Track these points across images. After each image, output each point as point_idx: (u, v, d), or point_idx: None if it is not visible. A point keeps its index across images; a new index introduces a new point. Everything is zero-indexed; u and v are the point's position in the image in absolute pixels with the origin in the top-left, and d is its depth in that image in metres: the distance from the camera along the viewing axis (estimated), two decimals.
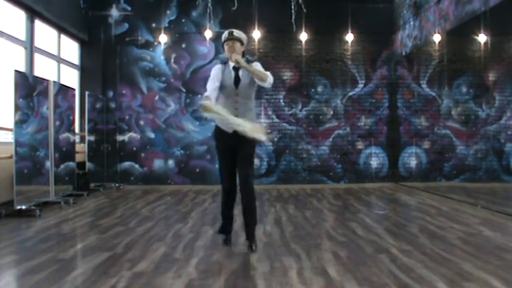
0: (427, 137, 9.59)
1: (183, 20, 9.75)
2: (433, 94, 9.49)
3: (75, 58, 9.43)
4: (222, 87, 4.09)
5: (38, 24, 7.79)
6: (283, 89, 9.80)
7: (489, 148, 8.05)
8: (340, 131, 9.86)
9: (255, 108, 4.39)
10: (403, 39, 9.41)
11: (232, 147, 4.08)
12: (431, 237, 4.58)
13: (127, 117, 9.67)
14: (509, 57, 7.84)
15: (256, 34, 9.60)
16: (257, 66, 4.13)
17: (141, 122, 9.67)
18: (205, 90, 4.11)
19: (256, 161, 9.64)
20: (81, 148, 8.65)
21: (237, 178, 4.19)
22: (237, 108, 4.05)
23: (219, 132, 4.16)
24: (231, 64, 4.14)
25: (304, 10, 9.16)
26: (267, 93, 9.75)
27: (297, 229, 5.06)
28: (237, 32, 4.16)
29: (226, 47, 4.16)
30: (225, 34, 4.18)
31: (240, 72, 4.12)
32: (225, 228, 4.36)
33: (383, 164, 9.91)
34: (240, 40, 4.15)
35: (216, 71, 4.15)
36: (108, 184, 9.30)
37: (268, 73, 4.06)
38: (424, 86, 9.59)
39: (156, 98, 9.68)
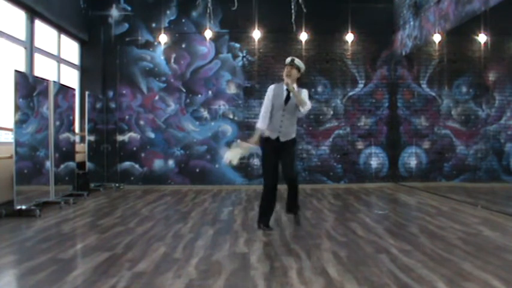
0: (427, 137, 9.60)
1: (183, 20, 9.74)
2: (433, 94, 9.50)
3: (75, 58, 9.43)
4: (274, 103, 4.96)
5: (38, 24, 7.79)
6: None
7: (489, 148, 8.06)
8: (340, 131, 9.86)
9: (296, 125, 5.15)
10: (403, 39, 9.41)
11: (276, 151, 4.92)
12: (431, 237, 4.58)
13: (127, 117, 9.67)
14: (509, 57, 7.85)
15: (256, 34, 9.61)
16: (303, 93, 4.98)
17: (141, 122, 9.67)
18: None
19: (256, 161, 9.65)
20: (81, 148, 8.65)
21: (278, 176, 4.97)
22: (282, 120, 4.92)
23: (265, 139, 4.98)
24: (285, 86, 4.93)
25: (304, 10, 9.16)
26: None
27: (297, 229, 5.06)
28: (297, 61, 4.96)
29: (285, 70, 4.94)
30: (288, 59, 5.00)
31: (291, 94, 4.91)
32: (267, 217, 5.07)
33: (383, 164, 9.91)
34: (298, 68, 4.94)
35: (269, 92, 5.04)
36: (108, 184, 9.30)
37: (309, 103, 4.95)
38: (424, 86, 9.60)
39: (156, 98, 9.68)
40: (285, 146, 4.95)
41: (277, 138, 4.92)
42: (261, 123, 4.96)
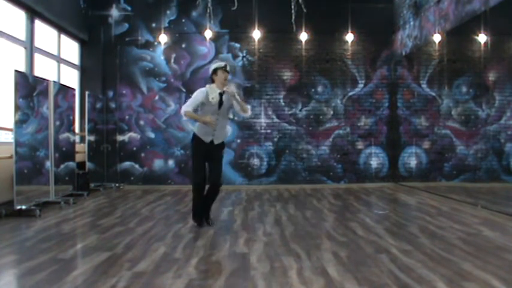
0: (427, 137, 9.59)
1: (183, 20, 9.74)
2: (433, 94, 9.49)
3: (75, 58, 9.43)
4: (206, 107, 5.08)
5: (38, 24, 7.79)
6: (283, 89, 9.80)
7: (489, 148, 8.04)
8: (340, 131, 9.86)
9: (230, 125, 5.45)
10: (403, 39, 9.41)
11: (207, 153, 5.15)
12: (431, 237, 4.59)
13: (127, 117, 9.67)
14: (509, 57, 7.84)
15: (256, 34, 9.60)
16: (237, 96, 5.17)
17: (141, 122, 9.67)
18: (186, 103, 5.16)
19: (256, 161, 9.67)
20: (81, 148, 8.65)
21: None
22: (217, 124, 5.08)
23: (198, 140, 5.17)
24: (217, 89, 5.10)
25: (304, 10, 9.15)
26: (267, 93, 9.75)
27: (297, 229, 5.06)
28: (228, 66, 5.27)
29: (222, 75, 5.13)
30: (221, 64, 5.22)
31: (223, 97, 5.11)
32: (200, 215, 5.29)
33: (383, 164, 9.91)
34: (228, 72, 5.24)
35: (201, 95, 5.10)
36: (108, 184, 9.30)
37: (249, 107, 5.35)
38: (424, 86, 9.59)
39: (156, 98, 9.68)
40: (217, 149, 5.20)
41: (211, 141, 5.15)
42: (188, 108, 5.09)
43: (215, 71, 5.18)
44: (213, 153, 5.18)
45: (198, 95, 5.13)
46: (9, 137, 6.50)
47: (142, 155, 9.65)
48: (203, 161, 5.18)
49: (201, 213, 5.29)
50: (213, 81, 5.20)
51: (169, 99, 9.68)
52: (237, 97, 5.12)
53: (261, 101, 9.70)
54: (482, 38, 7.00)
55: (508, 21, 6.74)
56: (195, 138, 5.24)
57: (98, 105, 9.22)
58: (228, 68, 5.21)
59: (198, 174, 5.17)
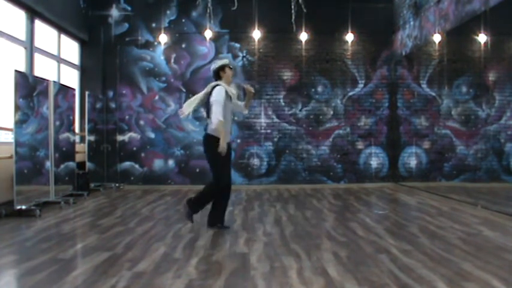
0: (427, 137, 9.59)
1: (183, 20, 9.74)
2: (433, 94, 9.49)
3: (75, 58, 9.43)
4: (227, 105, 4.93)
5: (38, 24, 7.79)
6: (283, 89, 9.80)
7: (489, 148, 8.04)
8: (340, 131, 9.86)
9: None
10: (403, 39, 9.41)
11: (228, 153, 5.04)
12: (431, 237, 4.59)
13: (127, 117, 9.67)
14: (509, 57, 7.84)
15: (256, 34, 9.60)
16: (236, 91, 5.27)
17: (141, 122, 9.67)
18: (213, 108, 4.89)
19: (256, 161, 9.67)
20: (81, 148, 8.65)
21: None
22: (232, 122, 5.21)
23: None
24: (229, 88, 5.00)
25: (304, 10, 9.15)
26: (267, 93, 9.75)
27: (297, 229, 5.06)
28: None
29: (230, 72, 5.11)
30: (225, 60, 5.19)
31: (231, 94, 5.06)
32: (223, 217, 5.18)
33: (383, 164, 9.91)
34: None
35: (223, 94, 4.87)
36: (108, 184, 9.30)
37: None
38: (424, 86, 9.59)
39: (156, 98, 9.68)
40: (230, 146, 5.12)
41: (229, 140, 5.08)
42: (221, 117, 4.77)
43: (223, 68, 5.06)
44: (229, 152, 5.08)
45: (221, 96, 4.84)
46: (9, 137, 6.50)
47: (142, 155, 9.65)
48: (227, 162, 5.03)
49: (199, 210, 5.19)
50: (219, 78, 5.06)
51: (169, 99, 9.68)
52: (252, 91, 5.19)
53: (261, 101, 9.69)
54: (482, 38, 7.00)
55: (508, 21, 6.74)
56: (218, 142, 4.81)
57: (98, 105, 9.22)
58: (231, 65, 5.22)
59: (228, 175, 5.06)
